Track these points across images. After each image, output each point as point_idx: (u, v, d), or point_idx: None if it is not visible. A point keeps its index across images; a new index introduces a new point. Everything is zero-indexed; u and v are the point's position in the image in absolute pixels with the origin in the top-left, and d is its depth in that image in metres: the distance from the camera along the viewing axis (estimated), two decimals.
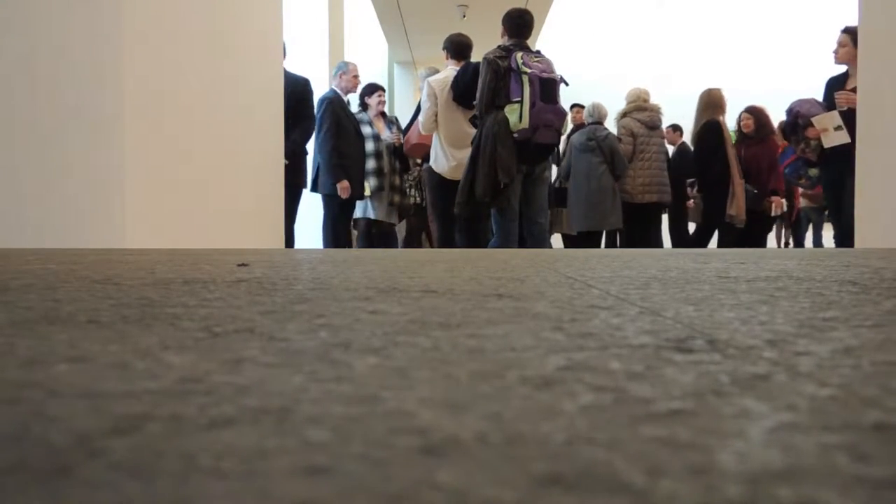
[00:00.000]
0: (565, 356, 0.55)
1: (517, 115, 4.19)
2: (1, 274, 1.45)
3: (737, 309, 0.85)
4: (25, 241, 2.97)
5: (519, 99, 4.20)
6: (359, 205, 5.86)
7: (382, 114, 6.11)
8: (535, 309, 0.85)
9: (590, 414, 0.39)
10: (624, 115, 6.03)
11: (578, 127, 6.26)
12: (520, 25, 4.51)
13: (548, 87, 4.25)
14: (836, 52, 4.80)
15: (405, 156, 5.92)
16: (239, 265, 1.66)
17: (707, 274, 1.41)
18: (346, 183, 5.43)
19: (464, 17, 9.84)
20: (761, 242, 6.32)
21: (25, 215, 3.05)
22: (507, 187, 4.31)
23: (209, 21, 4.02)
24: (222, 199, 4.07)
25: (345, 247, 5.62)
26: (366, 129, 5.78)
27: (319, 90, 5.97)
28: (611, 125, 6.13)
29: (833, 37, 4.87)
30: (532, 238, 4.64)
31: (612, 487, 0.28)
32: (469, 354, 0.56)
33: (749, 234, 6.03)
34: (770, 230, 6.42)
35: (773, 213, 6.10)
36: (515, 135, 4.23)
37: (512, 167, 4.26)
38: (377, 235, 6.08)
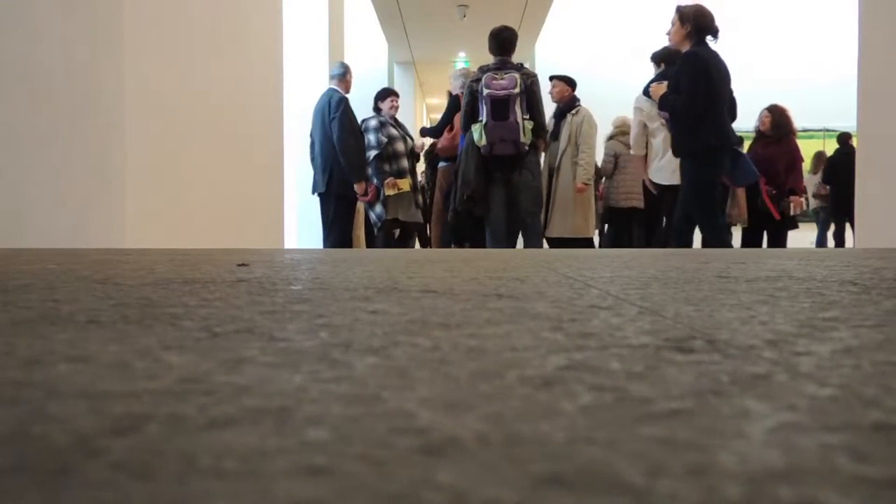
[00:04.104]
0: (565, 356, 0.55)
1: (479, 132, 4.80)
2: (1, 274, 1.45)
3: (737, 309, 0.85)
4: (25, 241, 2.97)
5: (482, 118, 4.81)
6: (379, 206, 5.90)
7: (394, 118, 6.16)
8: (535, 309, 0.85)
9: (590, 414, 0.39)
10: (610, 138, 6.94)
11: (559, 103, 6.25)
12: (500, 43, 4.98)
13: (499, 105, 4.78)
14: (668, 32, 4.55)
15: (418, 157, 6.14)
16: (239, 265, 1.66)
17: (707, 274, 1.41)
18: (363, 184, 5.49)
19: (464, 17, 9.84)
20: (782, 242, 6.32)
21: (25, 215, 3.05)
22: (482, 196, 4.87)
23: (209, 21, 4.02)
24: (222, 199, 4.07)
25: (349, 247, 5.64)
26: (392, 131, 5.88)
27: (319, 90, 5.97)
28: (600, 144, 6.68)
29: (833, 38, 4.84)
30: (526, 235, 5.16)
31: (612, 487, 0.28)
32: (469, 354, 0.56)
33: (769, 234, 6.17)
34: (790, 229, 6.41)
35: (792, 213, 6.12)
36: (481, 150, 4.81)
37: (472, 180, 4.86)
38: (399, 236, 6.11)
